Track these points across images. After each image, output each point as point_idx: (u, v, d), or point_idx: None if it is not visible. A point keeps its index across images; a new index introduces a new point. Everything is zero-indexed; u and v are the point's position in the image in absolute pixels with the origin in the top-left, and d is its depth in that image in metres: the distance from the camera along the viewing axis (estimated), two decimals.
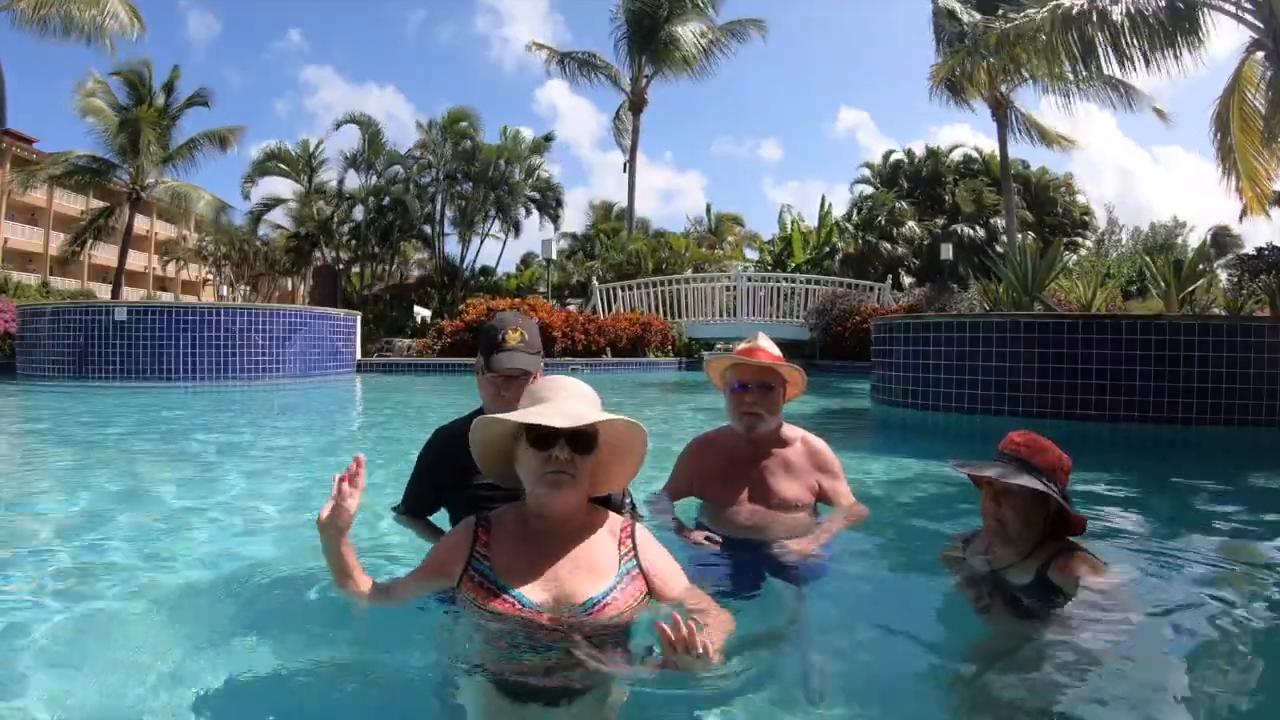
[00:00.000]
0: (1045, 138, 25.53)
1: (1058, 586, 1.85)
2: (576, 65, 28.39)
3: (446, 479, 2.19)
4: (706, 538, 2.37)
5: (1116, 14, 11.96)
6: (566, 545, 1.67)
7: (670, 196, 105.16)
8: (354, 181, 29.89)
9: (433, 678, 1.76)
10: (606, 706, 1.54)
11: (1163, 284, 7.30)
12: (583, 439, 1.63)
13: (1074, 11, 12.16)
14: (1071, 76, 15.90)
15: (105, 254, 29.42)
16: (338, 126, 29.81)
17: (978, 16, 20.02)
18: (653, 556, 1.74)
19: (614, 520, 1.77)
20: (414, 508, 2.36)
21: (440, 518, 2.35)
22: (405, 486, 2.38)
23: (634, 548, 1.73)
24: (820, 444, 2.70)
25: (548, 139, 30.87)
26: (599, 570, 1.66)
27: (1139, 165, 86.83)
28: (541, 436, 1.61)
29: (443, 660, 1.80)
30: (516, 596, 1.61)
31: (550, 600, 1.62)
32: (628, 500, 2.33)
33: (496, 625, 1.60)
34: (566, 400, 1.67)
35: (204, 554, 2.76)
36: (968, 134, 50.76)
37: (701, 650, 1.41)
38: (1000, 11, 14.71)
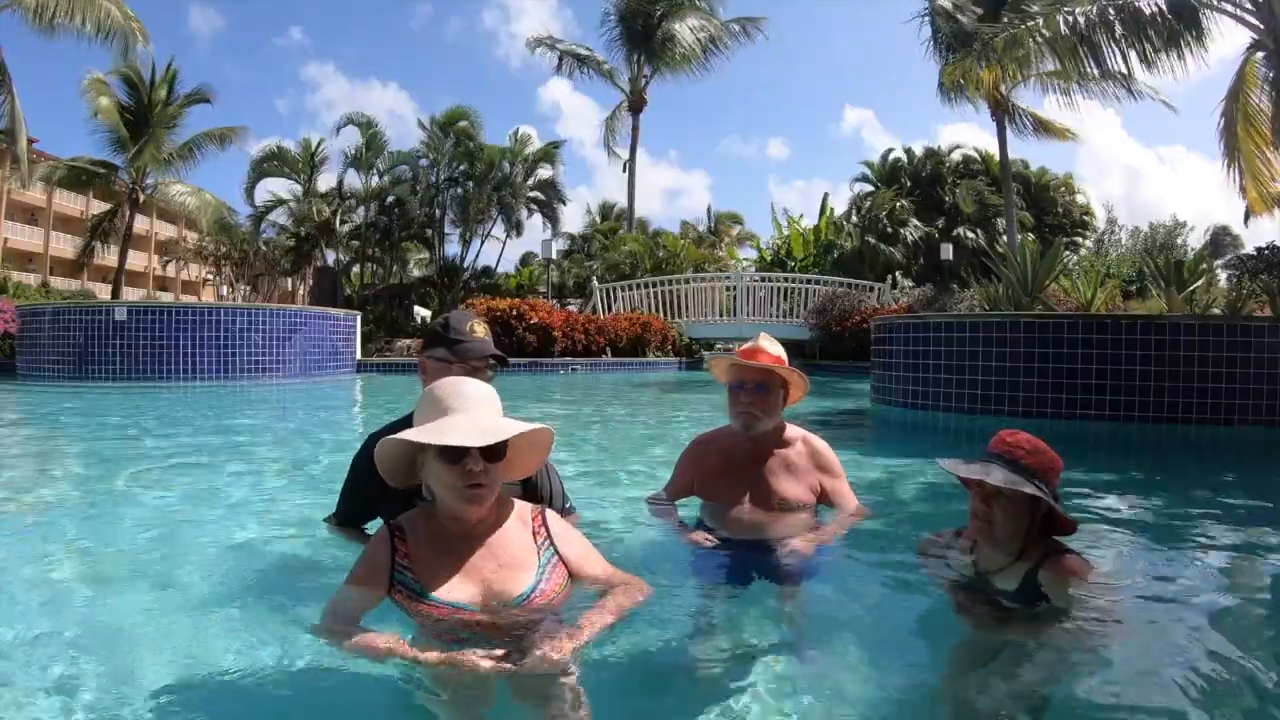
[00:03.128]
0: (1048, 129, 25.45)
1: (1046, 590, 1.81)
2: (576, 63, 28.34)
3: (382, 485, 2.16)
4: (705, 538, 2.37)
5: (1120, 19, 11.97)
6: (486, 544, 1.67)
7: (675, 195, 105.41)
8: (355, 181, 29.92)
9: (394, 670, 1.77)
10: (558, 685, 1.50)
11: (1163, 284, 7.29)
12: (494, 449, 1.62)
13: (1078, 17, 12.17)
14: (1076, 77, 15.91)
15: (105, 254, 29.39)
16: (338, 131, 29.73)
17: (976, 15, 20.07)
18: (568, 542, 1.78)
19: (522, 508, 1.78)
20: (347, 518, 2.31)
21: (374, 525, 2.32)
22: (339, 496, 2.33)
23: (549, 536, 1.75)
24: (821, 444, 2.70)
25: (555, 146, 30.83)
26: (521, 564, 1.67)
27: (1145, 165, 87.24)
28: (454, 450, 1.59)
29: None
30: (449, 604, 1.61)
31: (480, 602, 1.62)
32: (568, 504, 2.38)
33: (435, 628, 1.60)
34: (475, 411, 1.64)
35: (187, 551, 2.75)
36: (973, 132, 50.82)
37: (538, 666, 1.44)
38: (1005, 19, 14.75)
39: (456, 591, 1.61)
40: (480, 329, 2.24)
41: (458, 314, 2.34)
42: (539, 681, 1.46)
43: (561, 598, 1.68)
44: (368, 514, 2.30)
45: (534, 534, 1.73)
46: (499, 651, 1.46)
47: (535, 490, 2.25)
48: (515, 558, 1.67)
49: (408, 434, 1.64)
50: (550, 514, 1.81)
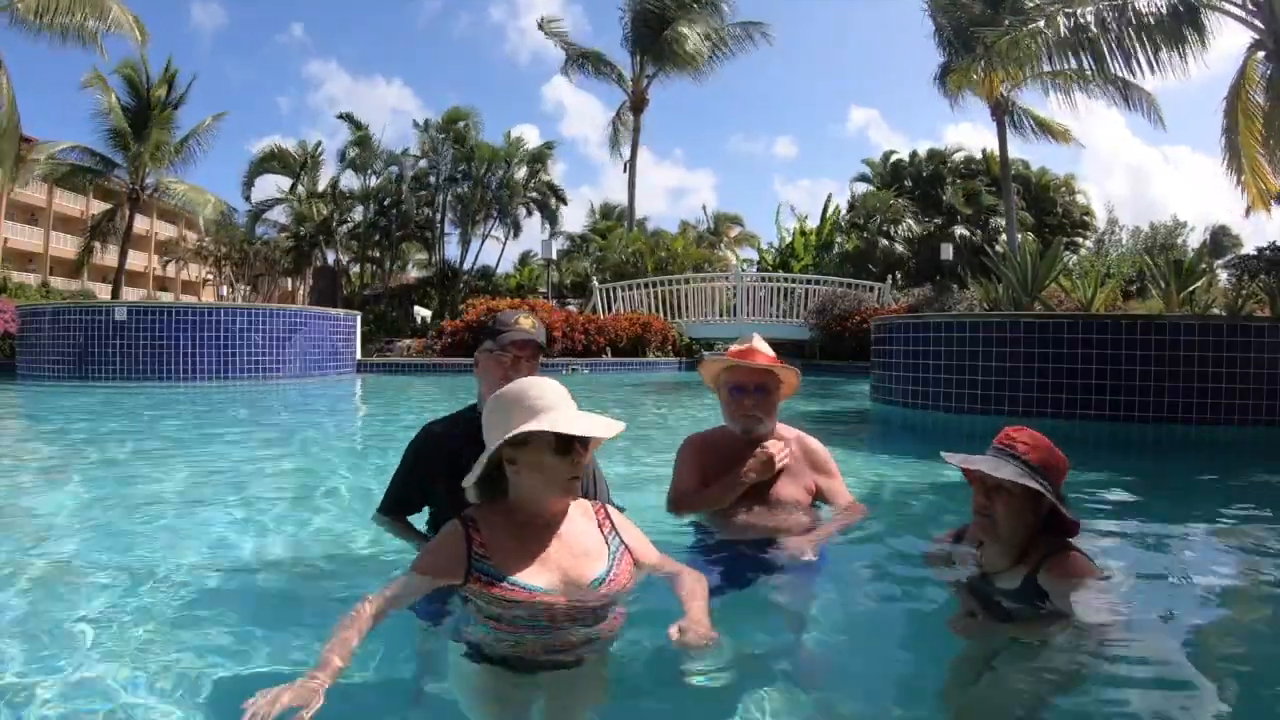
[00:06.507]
0: (1049, 131, 25.43)
1: (1049, 590, 1.79)
2: (581, 60, 28.22)
3: (438, 473, 2.16)
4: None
5: (1120, 19, 11.97)
6: (559, 535, 1.76)
7: (680, 195, 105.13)
8: (351, 181, 29.89)
9: (409, 665, 1.79)
10: (598, 677, 1.64)
11: (1163, 284, 7.28)
12: (587, 440, 1.74)
13: (1079, 18, 12.17)
14: (1077, 78, 15.95)
15: (105, 254, 29.42)
16: (354, 132, 29.32)
17: (976, 13, 20.15)
18: (629, 532, 1.89)
19: (583, 504, 1.88)
20: (396, 506, 2.31)
21: (418, 519, 2.33)
22: (387, 486, 2.34)
23: (614, 527, 1.86)
24: (815, 444, 2.70)
25: (549, 146, 30.75)
26: (593, 553, 1.77)
27: (1150, 164, 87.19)
28: (566, 444, 1.69)
29: (428, 647, 1.84)
30: (530, 589, 1.67)
31: (560, 587, 1.69)
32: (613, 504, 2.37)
33: (512, 614, 1.65)
34: (569, 405, 1.74)
35: (198, 552, 2.75)
36: (978, 131, 50.72)
37: (707, 643, 1.56)
38: (1007, 22, 14.76)
39: (536, 577, 1.69)
40: (525, 321, 2.30)
41: (507, 311, 2.43)
42: (571, 678, 1.51)
43: (631, 583, 1.78)
44: (416, 503, 2.33)
45: (599, 525, 1.85)
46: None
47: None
48: (588, 548, 1.77)
49: (535, 428, 1.65)
50: (610, 507, 1.94)
